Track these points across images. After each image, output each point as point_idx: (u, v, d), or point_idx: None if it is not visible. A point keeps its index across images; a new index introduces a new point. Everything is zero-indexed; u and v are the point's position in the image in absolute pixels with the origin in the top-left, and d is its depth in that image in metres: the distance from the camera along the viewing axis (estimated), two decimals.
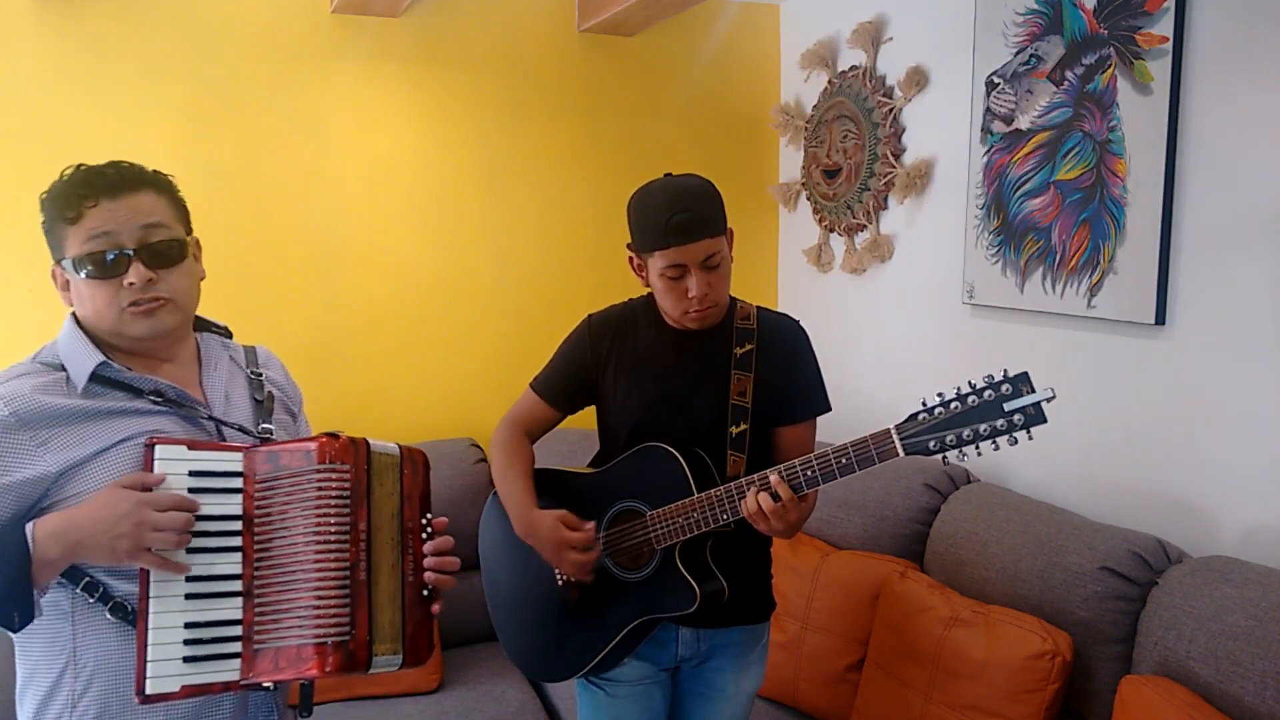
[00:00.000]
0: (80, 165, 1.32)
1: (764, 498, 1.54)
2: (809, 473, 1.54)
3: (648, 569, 1.72)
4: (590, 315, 1.85)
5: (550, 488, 1.82)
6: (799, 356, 1.78)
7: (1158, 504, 2.13)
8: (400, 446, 1.38)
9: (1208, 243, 2.00)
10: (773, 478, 1.56)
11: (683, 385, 1.75)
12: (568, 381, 1.84)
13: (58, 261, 1.32)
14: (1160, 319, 2.09)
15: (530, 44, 3.13)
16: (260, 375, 1.48)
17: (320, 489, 1.25)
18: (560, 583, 1.81)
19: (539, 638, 1.85)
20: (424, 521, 1.38)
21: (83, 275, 1.28)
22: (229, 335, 1.52)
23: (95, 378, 1.27)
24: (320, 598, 1.23)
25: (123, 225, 1.28)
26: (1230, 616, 1.70)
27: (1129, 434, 2.20)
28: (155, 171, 1.36)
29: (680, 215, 1.61)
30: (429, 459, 1.43)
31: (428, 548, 1.38)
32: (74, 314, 1.34)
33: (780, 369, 1.76)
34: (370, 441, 1.33)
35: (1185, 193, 2.03)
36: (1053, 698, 1.91)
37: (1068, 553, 2.02)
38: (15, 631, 1.21)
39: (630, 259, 1.74)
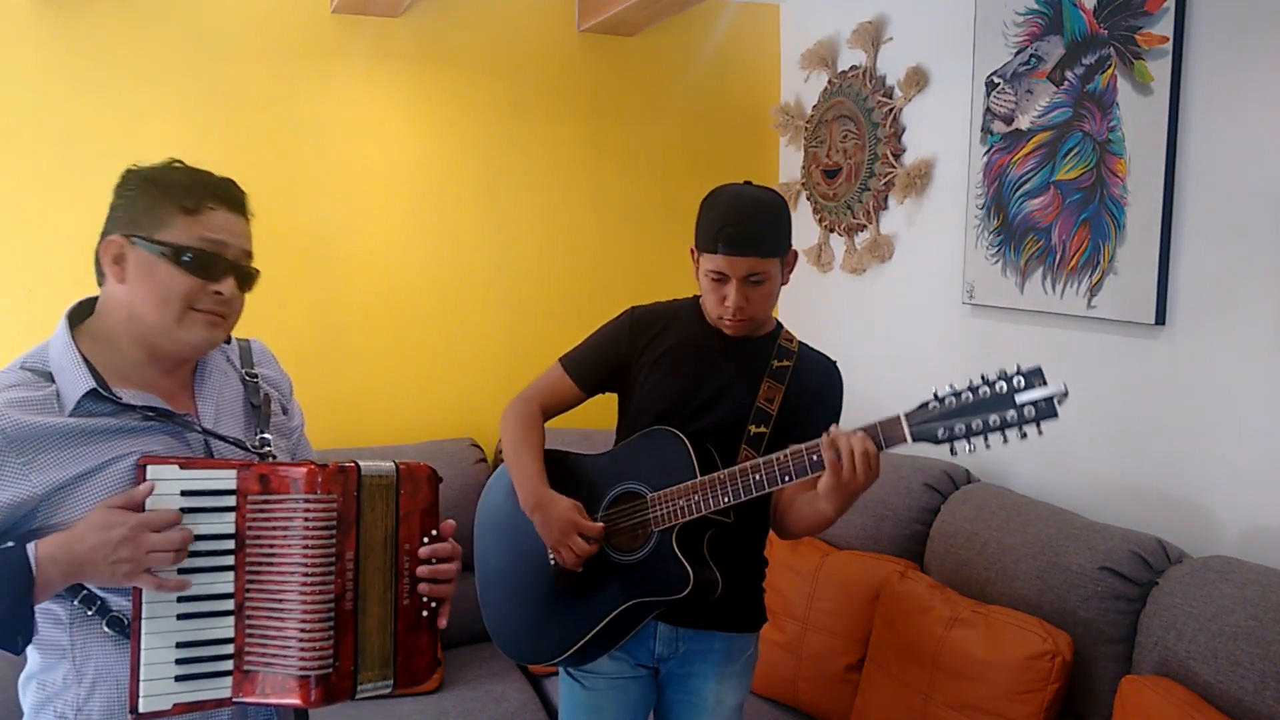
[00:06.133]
0: (177, 161, 1.35)
1: (857, 439, 1.48)
2: (814, 457, 1.54)
3: (643, 550, 1.72)
4: (634, 307, 1.87)
5: (555, 467, 1.82)
6: (829, 391, 1.81)
7: (1158, 504, 2.13)
8: (397, 465, 1.34)
9: (1208, 242, 2.00)
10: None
11: (715, 383, 1.77)
12: (599, 366, 1.85)
13: (128, 236, 1.27)
14: (1160, 319, 2.09)
15: (530, 44, 3.13)
16: (256, 377, 1.46)
17: (306, 519, 1.24)
18: (553, 563, 1.80)
19: (523, 616, 1.85)
20: (426, 539, 1.34)
21: (182, 260, 1.26)
22: (227, 338, 1.48)
23: (86, 396, 1.24)
24: (304, 630, 1.22)
25: (233, 240, 1.32)
26: (1230, 616, 1.70)
27: (1129, 434, 2.20)
28: None
29: (732, 228, 1.65)
30: (437, 472, 1.38)
31: (422, 553, 1.33)
32: (68, 317, 1.31)
33: (809, 394, 1.78)
34: (362, 465, 1.30)
35: (1185, 192, 2.04)
36: (1053, 698, 1.91)
37: (1068, 553, 2.02)
38: (18, 654, 1.21)
39: (691, 249, 1.76)
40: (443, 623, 1.35)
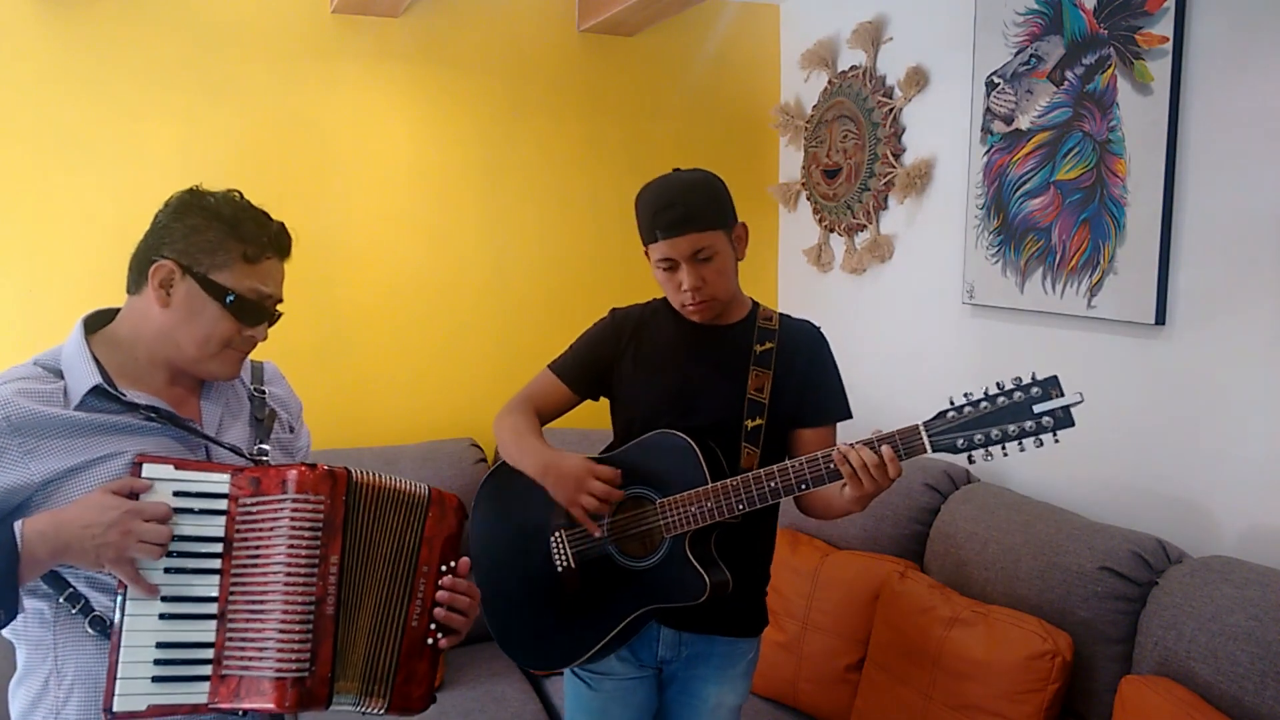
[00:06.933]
0: (237, 192, 1.37)
1: (867, 452, 1.51)
2: (830, 465, 1.55)
3: (654, 557, 1.71)
4: (614, 309, 1.88)
5: None
6: (819, 361, 1.79)
7: (1158, 504, 2.13)
8: (431, 489, 1.36)
9: (1208, 242, 2.00)
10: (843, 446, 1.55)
11: (699, 378, 1.76)
12: (589, 367, 1.85)
13: (184, 267, 1.30)
14: (1160, 319, 2.09)
15: (530, 44, 3.13)
16: (263, 393, 1.48)
17: (292, 518, 1.24)
18: (560, 569, 1.80)
19: (533, 625, 1.84)
20: (444, 568, 1.35)
21: (231, 306, 1.32)
22: None
23: (91, 392, 1.27)
24: (283, 630, 1.22)
25: (276, 289, 1.39)
26: (1230, 616, 1.70)
27: (1129, 434, 2.20)
28: None
29: (666, 210, 1.66)
30: (465, 507, 1.40)
31: (444, 583, 1.35)
32: (84, 323, 1.33)
33: (800, 371, 1.76)
34: (399, 479, 1.32)
35: (1185, 193, 2.03)
36: (1053, 698, 1.91)
37: (1068, 553, 2.02)
38: (2, 628, 1.22)
39: (645, 251, 1.76)
40: (444, 644, 1.36)
